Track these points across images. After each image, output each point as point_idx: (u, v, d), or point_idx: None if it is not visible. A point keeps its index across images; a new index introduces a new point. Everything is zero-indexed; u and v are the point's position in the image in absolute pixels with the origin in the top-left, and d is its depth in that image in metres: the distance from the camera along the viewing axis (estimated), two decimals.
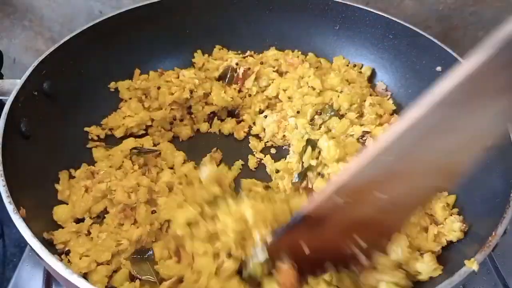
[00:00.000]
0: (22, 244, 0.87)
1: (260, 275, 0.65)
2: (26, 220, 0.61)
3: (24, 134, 0.77)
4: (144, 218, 0.75)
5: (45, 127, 0.82)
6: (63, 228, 0.74)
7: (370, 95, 1.04)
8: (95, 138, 0.93)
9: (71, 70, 0.91)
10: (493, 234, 0.65)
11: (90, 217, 0.77)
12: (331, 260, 0.63)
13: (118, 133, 0.94)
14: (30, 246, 0.59)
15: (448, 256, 0.73)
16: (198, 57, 1.09)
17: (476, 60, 0.41)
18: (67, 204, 0.78)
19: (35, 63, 0.83)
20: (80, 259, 0.69)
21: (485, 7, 1.21)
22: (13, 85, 0.79)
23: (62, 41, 0.89)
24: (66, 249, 0.71)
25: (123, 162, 0.85)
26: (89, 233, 0.75)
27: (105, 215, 0.77)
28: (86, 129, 0.92)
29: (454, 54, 0.93)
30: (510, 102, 0.44)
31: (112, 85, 1.01)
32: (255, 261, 0.65)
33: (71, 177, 0.83)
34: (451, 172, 0.54)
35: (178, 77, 1.02)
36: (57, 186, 0.79)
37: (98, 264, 0.70)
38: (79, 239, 0.73)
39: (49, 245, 0.70)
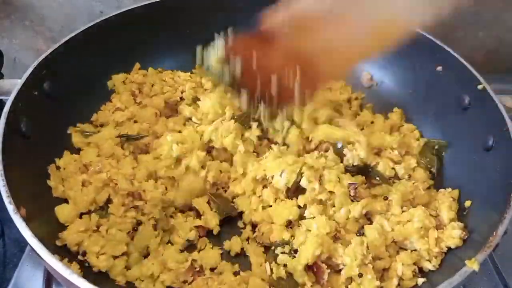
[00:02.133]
0: (22, 244, 0.87)
1: (216, 69, 0.76)
2: (26, 220, 0.61)
3: (24, 133, 0.77)
4: (154, 198, 0.77)
5: (45, 127, 0.82)
6: (66, 226, 0.74)
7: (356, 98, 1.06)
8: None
9: (72, 70, 0.91)
10: (494, 234, 0.65)
11: (94, 210, 0.77)
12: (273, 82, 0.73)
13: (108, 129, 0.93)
14: (31, 246, 0.59)
15: (449, 256, 0.73)
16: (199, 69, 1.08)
17: None
18: (67, 202, 0.78)
19: (36, 63, 0.83)
20: (97, 258, 0.69)
21: (485, 7, 1.21)
22: (14, 85, 0.79)
23: (62, 41, 0.89)
24: (82, 250, 0.71)
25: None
26: (97, 228, 0.75)
27: (109, 205, 0.77)
28: (78, 125, 0.91)
29: (454, 54, 0.93)
30: None
31: (110, 83, 1.00)
32: (215, 53, 0.75)
33: (57, 167, 0.82)
34: (381, 36, 0.67)
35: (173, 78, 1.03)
36: (49, 182, 0.79)
37: (115, 258, 0.71)
38: (91, 238, 0.72)
39: (65, 250, 0.70)
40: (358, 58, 0.78)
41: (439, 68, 0.96)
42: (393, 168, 0.87)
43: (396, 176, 0.87)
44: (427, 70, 0.98)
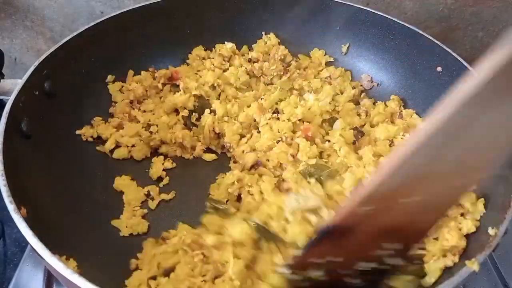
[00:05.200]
0: (23, 243, 0.87)
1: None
2: (27, 219, 0.61)
3: (25, 133, 0.77)
4: None
5: (46, 127, 0.82)
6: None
7: (354, 87, 1.07)
8: (90, 139, 0.92)
9: (72, 70, 0.91)
10: (494, 234, 0.65)
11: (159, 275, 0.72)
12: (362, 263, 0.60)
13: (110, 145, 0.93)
14: (31, 246, 0.59)
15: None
16: (192, 59, 1.10)
17: (501, 56, 0.41)
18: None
19: (36, 63, 0.83)
20: None
21: (485, 7, 1.21)
22: (14, 85, 0.80)
23: (63, 41, 0.89)
24: None
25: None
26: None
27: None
28: (77, 132, 0.91)
29: (454, 54, 0.93)
30: None
31: (109, 78, 1.00)
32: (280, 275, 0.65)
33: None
34: (480, 168, 0.52)
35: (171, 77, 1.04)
36: (140, 256, 0.75)
37: None
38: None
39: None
40: (457, 199, 0.65)
41: (439, 68, 0.96)
42: None
43: None
44: (427, 70, 0.98)
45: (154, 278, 0.71)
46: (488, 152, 0.49)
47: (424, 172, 0.50)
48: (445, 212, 0.61)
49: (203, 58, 1.10)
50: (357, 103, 1.05)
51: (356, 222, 0.56)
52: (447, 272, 0.68)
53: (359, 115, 1.02)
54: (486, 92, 0.42)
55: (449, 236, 0.71)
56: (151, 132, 0.95)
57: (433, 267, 0.70)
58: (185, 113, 0.98)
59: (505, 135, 0.48)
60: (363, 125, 0.98)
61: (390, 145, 0.90)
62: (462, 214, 0.75)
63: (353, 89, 1.06)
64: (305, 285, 0.63)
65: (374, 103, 1.04)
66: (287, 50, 1.10)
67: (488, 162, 0.51)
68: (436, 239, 0.73)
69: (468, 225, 0.72)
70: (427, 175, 0.50)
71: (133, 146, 0.93)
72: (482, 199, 0.74)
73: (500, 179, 0.74)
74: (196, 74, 1.06)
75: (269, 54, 1.10)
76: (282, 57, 1.09)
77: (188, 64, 1.09)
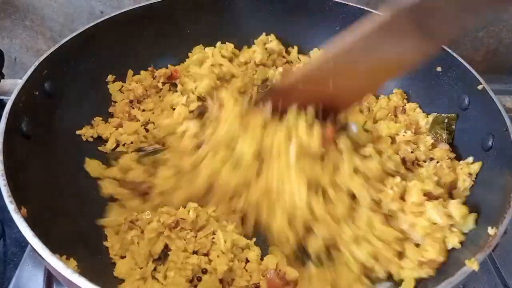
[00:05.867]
0: (23, 243, 0.87)
1: None
2: (27, 219, 0.61)
3: (25, 134, 0.77)
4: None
5: (46, 127, 0.82)
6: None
7: None
8: (90, 139, 0.92)
9: (72, 70, 0.91)
10: (494, 234, 0.65)
11: (152, 261, 0.73)
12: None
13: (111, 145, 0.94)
14: (31, 246, 0.59)
15: (448, 256, 0.73)
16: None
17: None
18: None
19: (36, 63, 0.83)
20: None
21: None
22: (14, 85, 0.80)
23: (63, 41, 0.89)
24: None
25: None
26: (153, 277, 0.72)
27: (168, 252, 0.74)
28: (78, 132, 0.91)
29: (454, 54, 0.93)
30: (416, 44, 0.72)
31: (109, 78, 1.01)
32: None
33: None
34: (379, 76, 0.81)
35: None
36: (106, 244, 0.76)
37: None
38: (147, 284, 0.70)
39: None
40: (372, 90, 0.90)
41: (439, 69, 0.96)
42: (412, 152, 0.86)
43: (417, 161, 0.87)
44: (427, 71, 0.98)
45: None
46: (387, 67, 0.78)
47: (342, 69, 0.79)
48: (359, 96, 0.89)
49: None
50: None
51: (295, 88, 0.86)
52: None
53: (361, 111, 1.02)
54: (384, 30, 0.72)
55: (430, 248, 0.72)
56: (147, 130, 0.96)
57: (408, 277, 0.71)
58: None
59: (396, 63, 0.77)
60: (366, 122, 0.98)
61: (391, 143, 0.90)
62: (451, 226, 0.74)
63: None
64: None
65: (377, 98, 1.04)
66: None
67: (385, 75, 0.82)
68: (418, 246, 0.74)
69: (454, 241, 0.72)
70: (345, 71, 0.80)
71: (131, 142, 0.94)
72: (475, 214, 0.74)
73: (499, 177, 0.74)
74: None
75: (270, 55, 1.10)
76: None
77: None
